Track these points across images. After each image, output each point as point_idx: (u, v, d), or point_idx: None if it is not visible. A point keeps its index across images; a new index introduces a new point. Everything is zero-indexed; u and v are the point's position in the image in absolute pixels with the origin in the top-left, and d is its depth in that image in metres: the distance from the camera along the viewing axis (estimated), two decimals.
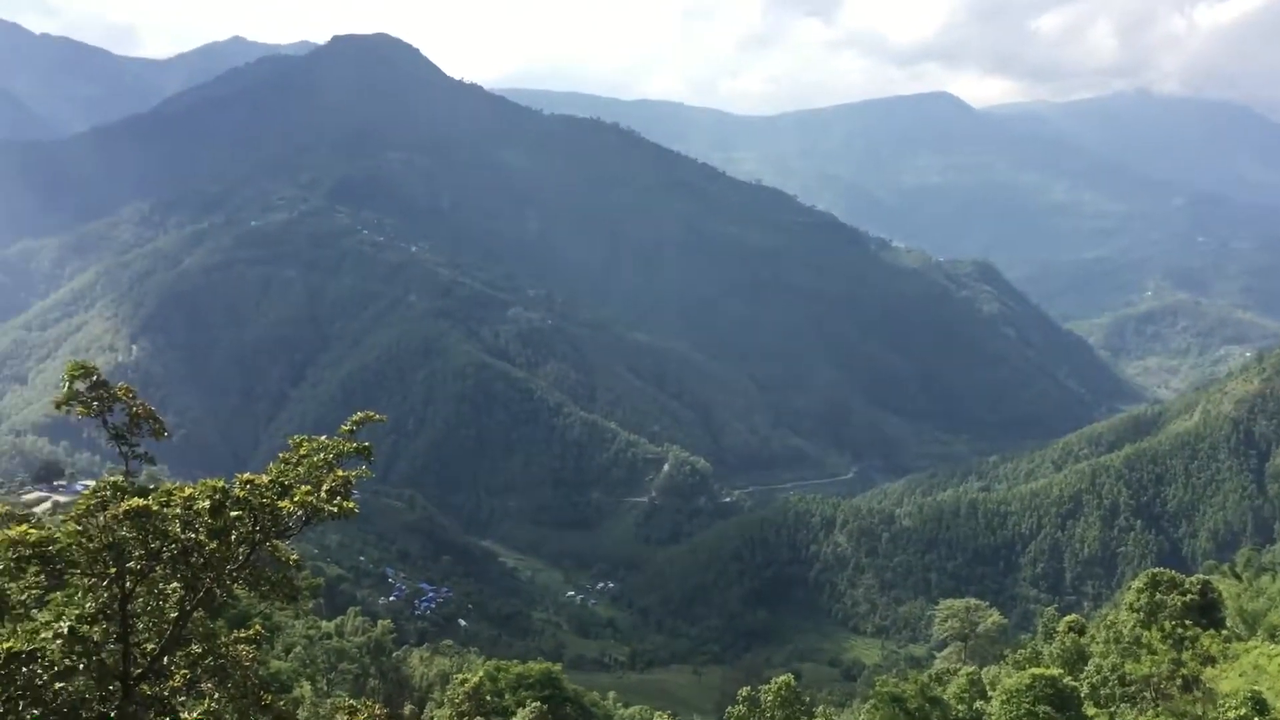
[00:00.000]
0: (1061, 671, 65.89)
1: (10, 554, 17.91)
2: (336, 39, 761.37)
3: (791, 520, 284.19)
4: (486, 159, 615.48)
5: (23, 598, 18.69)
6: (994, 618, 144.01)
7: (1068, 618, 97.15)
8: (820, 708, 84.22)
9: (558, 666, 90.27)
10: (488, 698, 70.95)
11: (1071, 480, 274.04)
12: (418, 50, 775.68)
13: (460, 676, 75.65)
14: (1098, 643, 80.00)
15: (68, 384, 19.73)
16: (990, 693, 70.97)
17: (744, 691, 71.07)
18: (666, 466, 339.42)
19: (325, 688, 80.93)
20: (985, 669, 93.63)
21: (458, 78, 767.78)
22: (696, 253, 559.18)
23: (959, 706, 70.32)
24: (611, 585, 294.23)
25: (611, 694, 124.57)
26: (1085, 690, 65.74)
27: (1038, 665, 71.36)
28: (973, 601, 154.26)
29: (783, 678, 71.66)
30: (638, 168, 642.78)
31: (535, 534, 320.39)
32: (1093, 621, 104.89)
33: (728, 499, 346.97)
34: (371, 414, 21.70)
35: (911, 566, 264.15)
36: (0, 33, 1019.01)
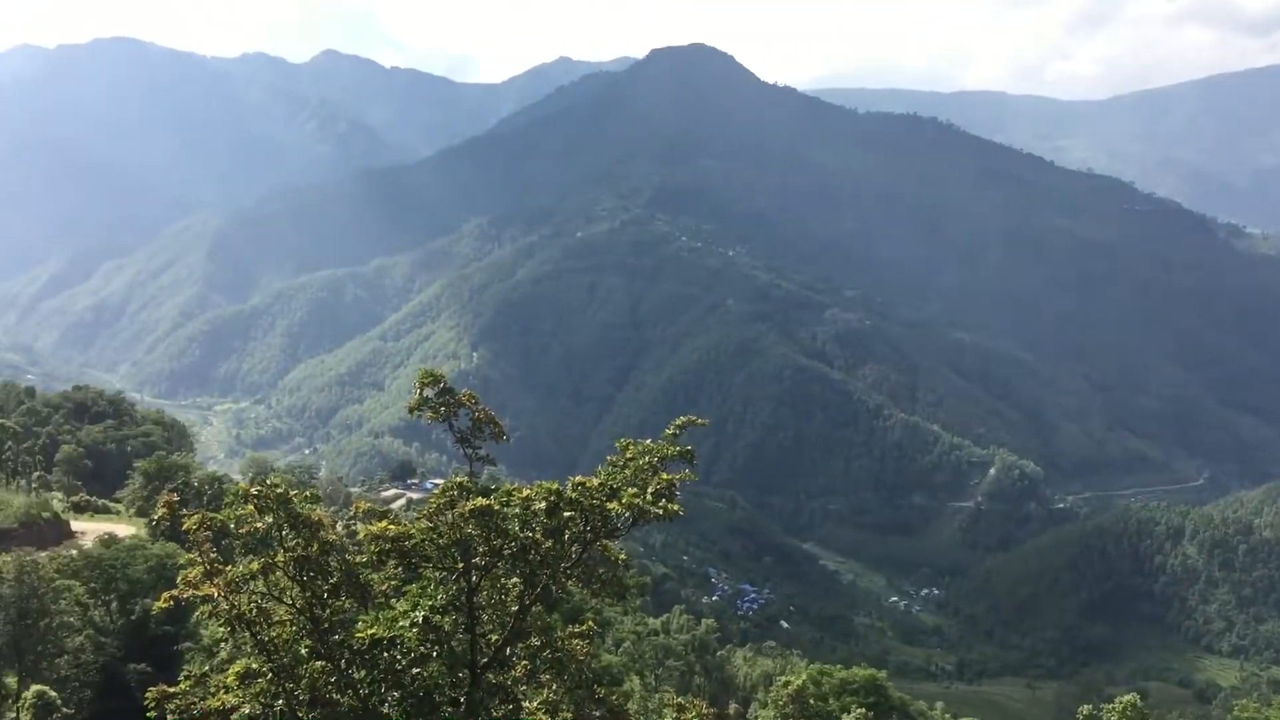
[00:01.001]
0: None
1: (373, 547, 19.56)
2: (654, 52, 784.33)
3: (1133, 529, 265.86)
4: (801, 161, 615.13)
5: (383, 588, 20.36)
6: None
7: None
8: None
9: (883, 673, 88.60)
10: (811, 701, 70.58)
11: None
12: (732, 57, 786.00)
13: (783, 679, 75.78)
14: None
15: (418, 391, 21.27)
16: None
17: (1084, 709, 67.01)
18: (993, 470, 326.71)
19: (653, 683, 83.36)
20: None
21: (771, 82, 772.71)
22: (1022, 247, 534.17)
23: None
24: (936, 592, 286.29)
25: (939, 704, 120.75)
26: None
27: None
28: None
29: (1128, 696, 66.97)
30: (957, 161, 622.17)
31: (856, 537, 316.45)
32: None
33: (1060, 505, 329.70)
34: (694, 418, 22.00)
35: (1274, 582, 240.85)
36: (359, 69, 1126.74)
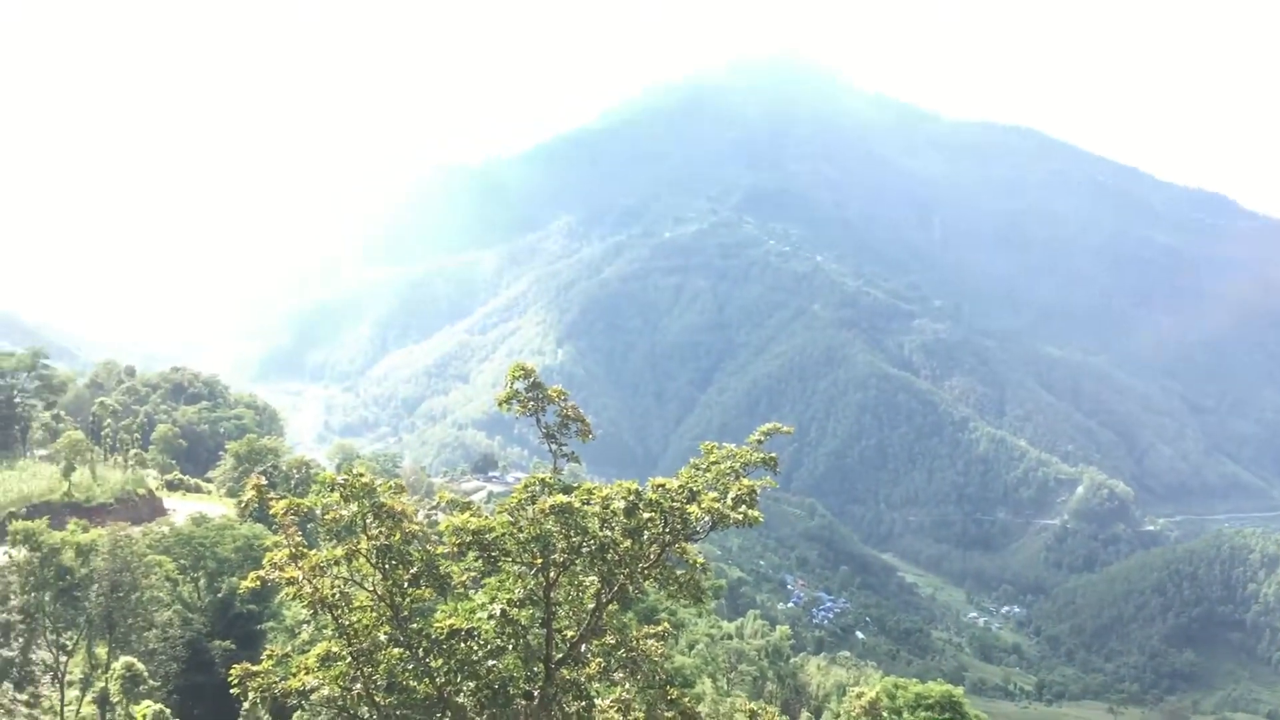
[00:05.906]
0: None
1: (455, 539, 19.78)
2: (746, 55, 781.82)
3: (1226, 555, 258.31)
4: (893, 167, 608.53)
5: (463, 579, 20.56)
6: None
7: None
8: None
9: (959, 690, 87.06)
10: (884, 714, 69.64)
11: None
12: (819, 61, 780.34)
13: (856, 690, 74.90)
14: None
15: (510, 384, 21.47)
16: None
17: None
18: (1081, 489, 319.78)
19: (725, 687, 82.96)
20: None
21: (864, 88, 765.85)
22: (1117, 260, 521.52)
23: None
24: (1017, 609, 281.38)
25: None
26: None
27: None
28: None
29: None
30: (1054, 170, 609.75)
31: (936, 550, 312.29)
32: None
33: (1150, 528, 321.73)
34: (779, 425, 21.90)
35: None
36: None
